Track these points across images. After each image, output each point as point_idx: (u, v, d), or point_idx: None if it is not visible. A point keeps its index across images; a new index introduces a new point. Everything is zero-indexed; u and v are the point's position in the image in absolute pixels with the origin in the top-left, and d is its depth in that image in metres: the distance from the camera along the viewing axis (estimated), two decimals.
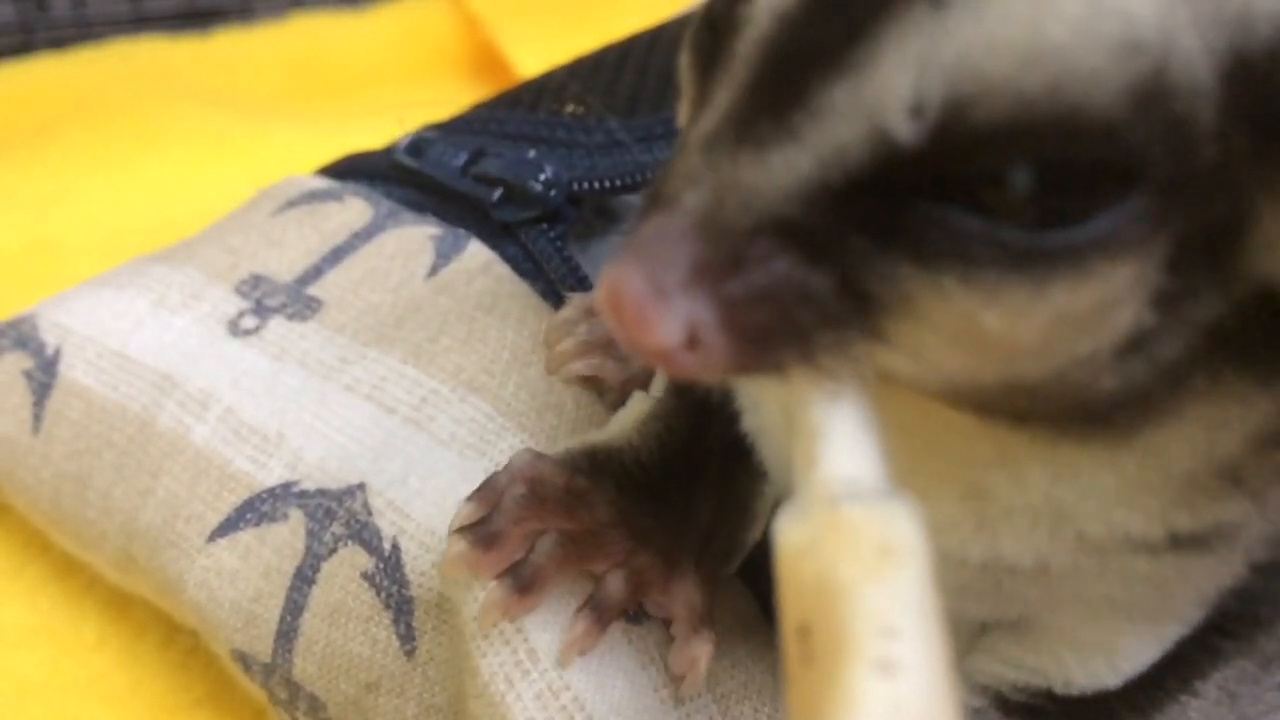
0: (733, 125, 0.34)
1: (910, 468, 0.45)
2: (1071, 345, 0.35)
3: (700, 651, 0.53)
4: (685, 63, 0.41)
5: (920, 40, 0.32)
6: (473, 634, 0.54)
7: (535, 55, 1.21)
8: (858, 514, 0.33)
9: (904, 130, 0.32)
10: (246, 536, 0.67)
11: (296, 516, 0.66)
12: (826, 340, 0.34)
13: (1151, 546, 0.44)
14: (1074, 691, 0.50)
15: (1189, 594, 0.48)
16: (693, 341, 0.33)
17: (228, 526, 0.67)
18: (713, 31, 0.38)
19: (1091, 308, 0.34)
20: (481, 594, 0.53)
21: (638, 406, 0.58)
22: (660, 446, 0.56)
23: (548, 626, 0.53)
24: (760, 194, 0.33)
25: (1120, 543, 0.44)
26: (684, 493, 0.56)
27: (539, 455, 0.55)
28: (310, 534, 0.65)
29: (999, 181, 0.32)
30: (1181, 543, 0.44)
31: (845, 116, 0.32)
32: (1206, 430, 0.40)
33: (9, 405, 0.75)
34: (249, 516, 0.67)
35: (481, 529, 0.53)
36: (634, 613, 0.55)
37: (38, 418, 0.75)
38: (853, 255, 0.34)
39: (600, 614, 0.53)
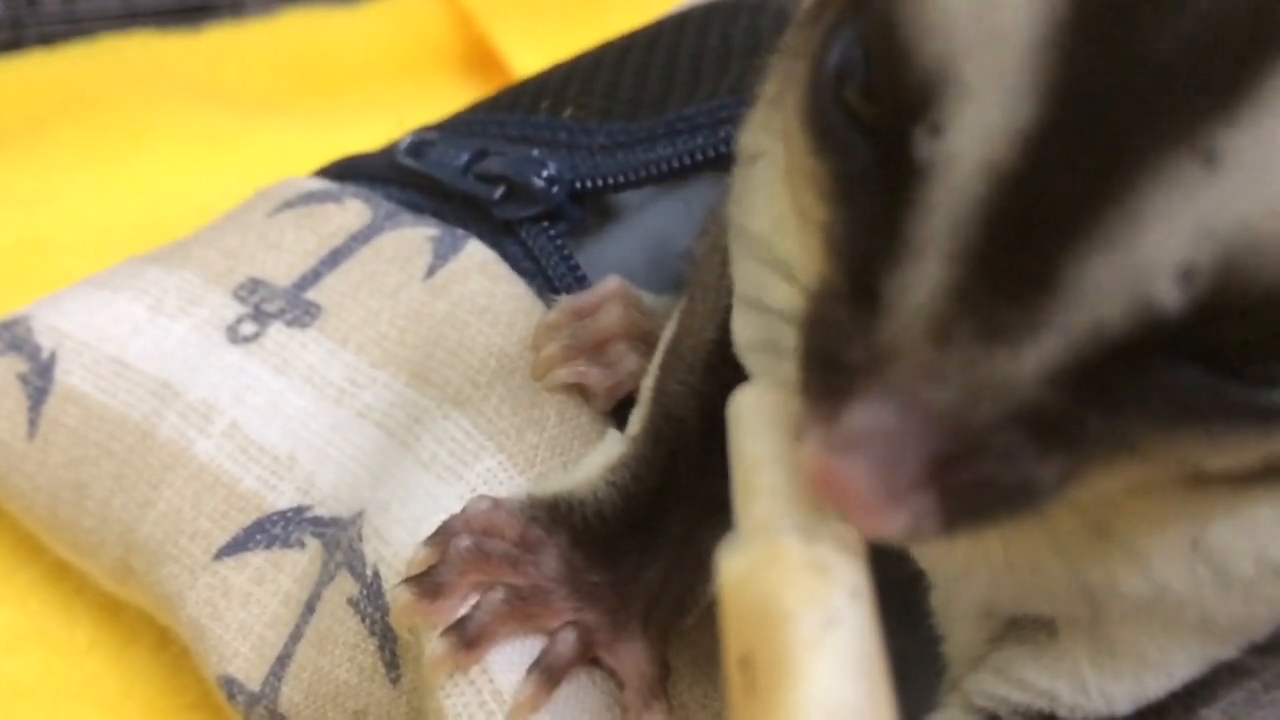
0: (971, 312, 0.31)
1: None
2: None
3: None
4: (804, 148, 0.36)
5: (1194, 202, 0.29)
6: (436, 673, 0.54)
7: (529, 51, 1.21)
8: (797, 544, 0.33)
9: (1171, 299, 0.30)
10: (256, 559, 0.66)
11: (314, 546, 0.65)
12: (1020, 499, 0.33)
13: None
14: (1078, 717, 0.49)
15: None
16: (915, 525, 0.32)
17: (235, 546, 0.67)
18: (863, 135, 0.34)
19: None
20: (435, 641, 0.53)
21: (611, 449, 0.58)
22: (625, 499, 0.56)
23: (513, 667, 0.53)
24: (1013, 389, 0.31)
25: (1266, 575, 0.42)
26: (639, 549, 0.55)
27: (495, 504, 0.55)
28: (323, 563, 0.64)
29: (1260, 346, 0.31)
30: None
31: (1104, 292, 0.30)
32: None
33: (3, 409, 0.75)
34: (258, 538, 0.66)
35: (428, 579, 0.54)
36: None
37: (33, 423, 0.74)
38: (1089, 433, 0.32)
39: (550, 674, 0.53)
